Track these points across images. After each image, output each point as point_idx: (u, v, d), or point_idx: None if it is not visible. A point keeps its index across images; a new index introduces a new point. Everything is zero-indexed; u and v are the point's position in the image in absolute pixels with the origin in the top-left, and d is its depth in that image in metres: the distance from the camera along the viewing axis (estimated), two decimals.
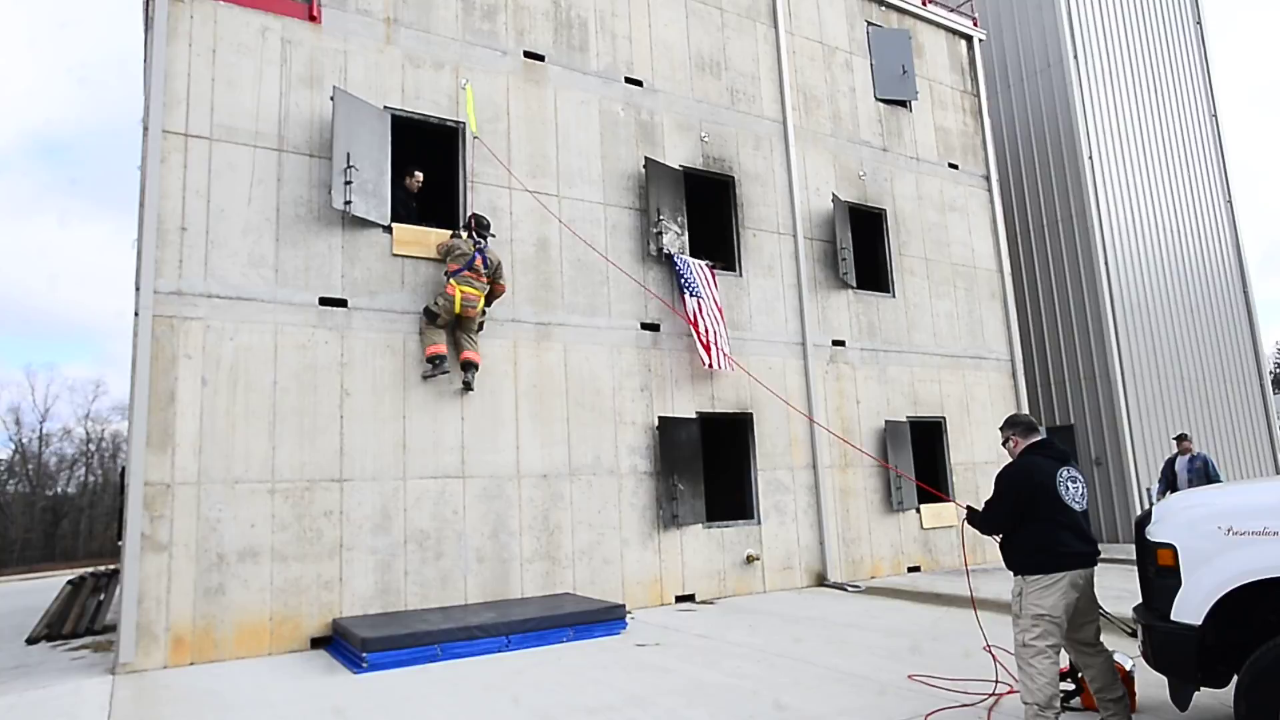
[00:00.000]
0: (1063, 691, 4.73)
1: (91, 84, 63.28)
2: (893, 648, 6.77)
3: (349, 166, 8.05)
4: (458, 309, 8.23)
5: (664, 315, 10.11)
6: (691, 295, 9.87)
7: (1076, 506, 4.39)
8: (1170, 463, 11.48)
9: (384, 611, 7.71)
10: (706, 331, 9.82)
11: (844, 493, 11.20)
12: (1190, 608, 3.88)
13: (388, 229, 8.46)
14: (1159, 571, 4.09)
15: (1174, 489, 10.98)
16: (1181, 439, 11.41)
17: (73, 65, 63.36)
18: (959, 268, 13.35)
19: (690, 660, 6.53)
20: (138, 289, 7.20)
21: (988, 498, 4.61)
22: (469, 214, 8.83)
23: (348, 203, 8.04)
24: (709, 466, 10.42)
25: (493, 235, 8.73)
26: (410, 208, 8.98)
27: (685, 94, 10.92)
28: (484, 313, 8.58)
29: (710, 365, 9.77)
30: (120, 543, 7.56)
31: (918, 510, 11.85)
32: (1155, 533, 4.18)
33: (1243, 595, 3.79)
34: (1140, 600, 4.41)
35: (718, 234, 11.32)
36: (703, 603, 9.50)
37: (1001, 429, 4.78)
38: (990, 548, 11.56)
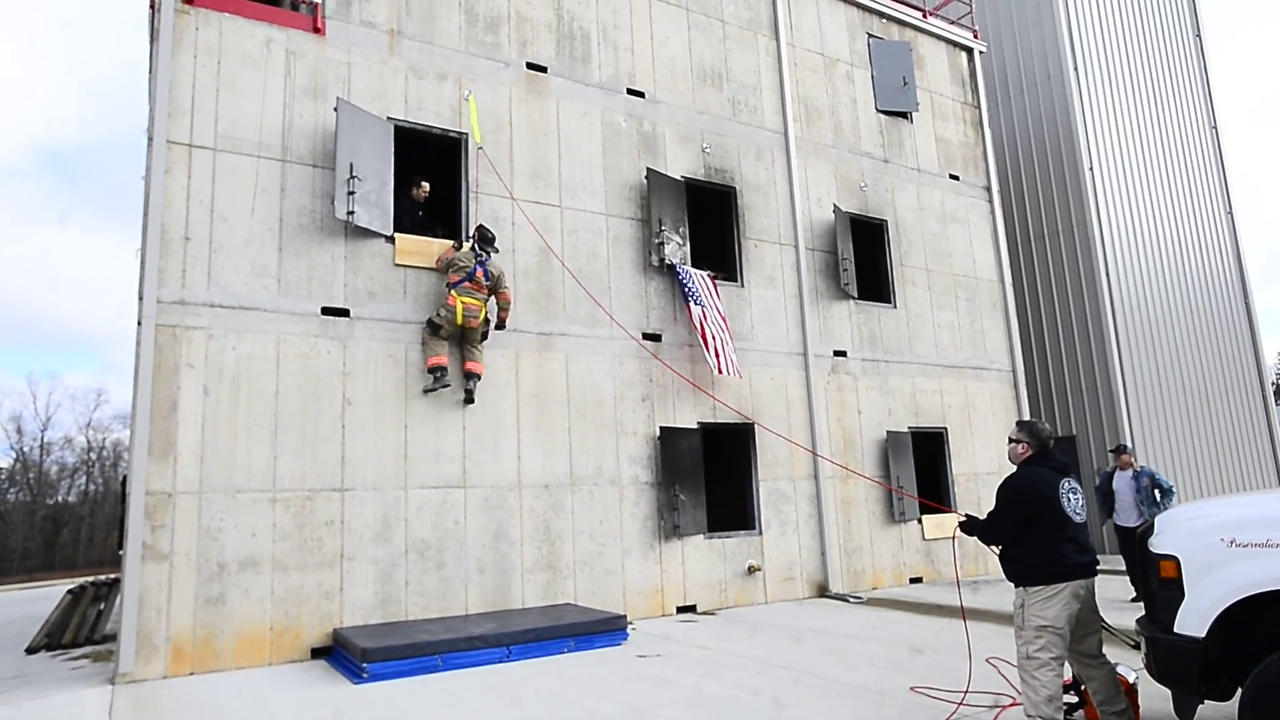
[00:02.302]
0: (1065, 704, 4.71)
1: (98, 95, 63.67)
2: (895, 659, 6.74)
3: (352, 177, 8.08)
4: (460, 320, 8.25)
5: (665, 325, 10.12)
6: (696, 304, 9.89)
7: (1077, 518, 4.40)
8: (1108, 478, 9.80)
9: (385, 621, 7.69)
10: (713, 339, 9.83)
11: (845, 503, 11.18)
12: (1193, 620, 3.87)
13: (390, 239, 8.48)
14: (1162, 583, 4.08)
15: (1113, 511, 9.70)
16: (1120, 451, 9.80)
17: (80, 77, 63.78)
18: (960, 278, 13.37)
19: (691, 671, 6.51)
20: (141, 298, 7.22)
21: (990, 509, 4.61)
22: (474, 226, 8.85)
23: (350, 213, 8.06)
24: (710, 476, 10.40)
25: (496, 250, 8.73)
26: (416, 218, 9.00)
27: (687, 105, 10.96)
28: (488, 322, 8.59)
29: (720, 371, 9.77)
30: (121, 552, 7.56)
31: (920, 521, 11.82)
32: (1158, 544, 4.17)
33: (1246, 608, 3.78)
34: (1144, 612, 4.40)
35: (719, 244, 11.34)
36: (704, 613, 9.47)
37: (1016, 432, 4.70)
38: (992, 558, 11.52)
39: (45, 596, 16.15)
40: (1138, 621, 4.39)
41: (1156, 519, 4.38)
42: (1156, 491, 9.35)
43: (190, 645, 6.91)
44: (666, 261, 10.07)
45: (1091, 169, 15.86)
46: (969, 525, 4.66)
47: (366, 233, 8.33)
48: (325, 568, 7.59)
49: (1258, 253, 71.77)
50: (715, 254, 11.24)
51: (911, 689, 5.67)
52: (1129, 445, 10.50)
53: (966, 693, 5.21)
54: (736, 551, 10.09)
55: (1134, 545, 9.05)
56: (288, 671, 6.94)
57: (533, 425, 8.97)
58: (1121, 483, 9.64)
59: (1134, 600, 8.86)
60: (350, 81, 8.57)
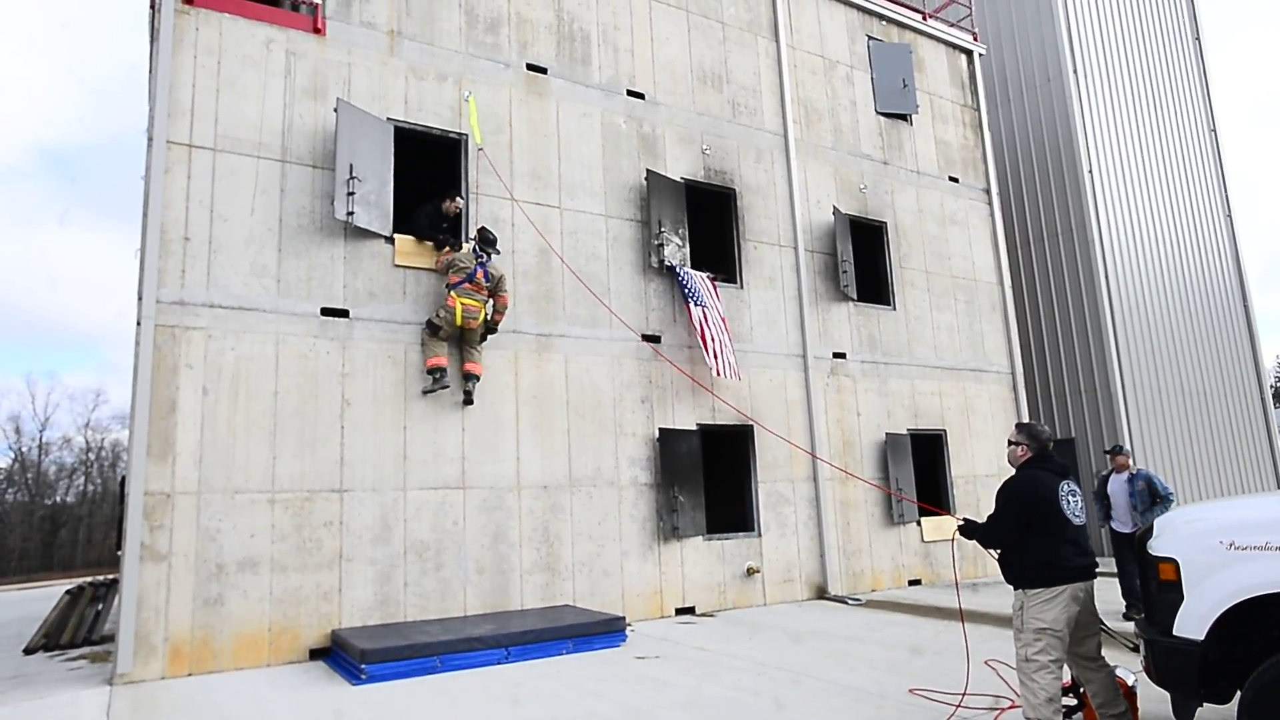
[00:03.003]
0: (1065, 706, 4.71)
1: (99, 95, 63.69)
2: (893, 661, 6.74)
3: (352, 177, 8.08)
4: (459, 321, 8.24)
5: (665, 327, 10.12)
6: (696, 305, 9.89)
7: (1077, 520, 4.40)
8: (1104, 481, 9.22)
9: (383, 623, 7.68)
10: (713, 341, 9.83)
11: (844, 505, 11.18)
12: (1192, 623, 3.87)
13: (390, 240, 8.48)
14: (1161, 586, 4.08)
15: (1110, 515, 9.07)
16: (1116, 452, 9.15)
17: (80, 77, 63.80)
18: (959, 280, 13.38)
19: (690, 673, 6.51)
20: (140, 298, 7.21)
21: (990, 512, 4.60)
22: (475, 227, 8.84)
23: (350, 213, 8.06)
24: (709, 478, 10.40)
25: (497, 252, 8.71)
26: (444, 230, 8.80)
27: (687, 107, 10.97)
28: (487, 323, 8.58)
29: (718, 374, 9.77)
30: (119, 552, 7.55)
31: (919, 523, 11.82)
32: (1157, 547, 4.17)
33: (1245, 610, 3.78)
34: (1143, 614, 4.40)
35: (719, 246, 11.34)
36: (703, 615, 9.47)
37: (1015, 434, 4.69)
38: (990, 561, 11.49)
39: (43, 597, 16.13)
40: (1137, 624, 4.39)
41: (1155, 522, 4.38)
42: (1152, 496, 8.73)
43: (188, 646, 6.90)
44: (666, 263, 10.07)
45: (1091, 172, 15.87)
46: (968, 529, 4.66)
47: (366, 233, 8.33)
48: (324, 569, 7.58)
49: (1257, 255, 71.92)
50: (715, 256, 11.24)
51: (910, 691, 5.66)
52: (1126, 446, 9.75)
53: (965, 695, 5.21)
54: (735, 553, 10.08)
55: (1129, 552, 8.53)
56: (286, 673, 6.93)
57: (532, 426, 8.96)
58: (1116, 486, 9.04)
59: (1126, 616, 8.35)
60: (350, 82, 8.57)
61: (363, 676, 6.35)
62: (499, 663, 6.92)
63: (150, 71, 8.55)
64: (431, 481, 8.26)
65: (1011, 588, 4.47)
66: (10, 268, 54.05)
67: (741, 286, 10.95)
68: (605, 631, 7.62)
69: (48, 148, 67.92)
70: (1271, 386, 20.29)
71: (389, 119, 8.67)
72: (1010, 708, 5.06)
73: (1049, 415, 16.02)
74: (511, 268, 9.09)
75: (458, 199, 8.91)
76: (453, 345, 8.49)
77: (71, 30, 62.74)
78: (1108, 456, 9.33)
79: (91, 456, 42.50)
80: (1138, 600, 8.24)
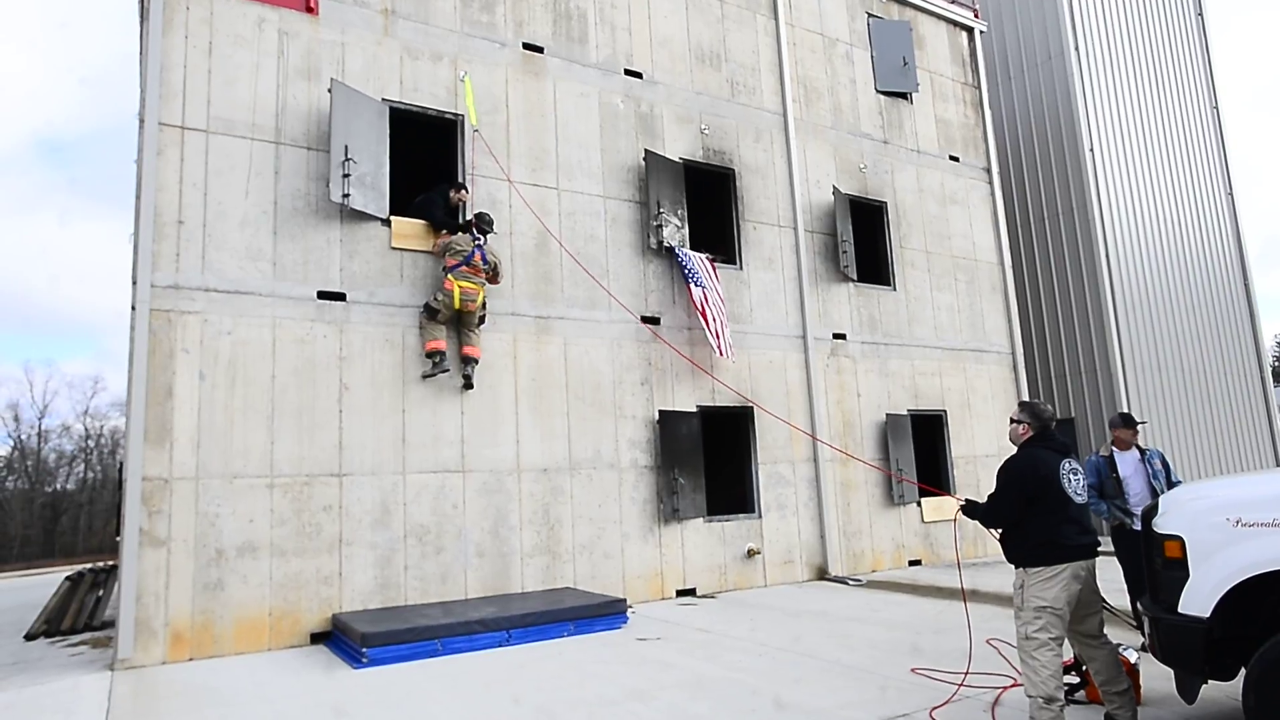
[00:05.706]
0: (1067, 684, 4.70)
1: (97, 84, 63.22)
2: (895, 641, 6.74)
3: (347, 159, 7.99)
4: (457, 304, 8.19)
5: (664, 308, 10.05)
6: (696, 285, 9.82)
7: (1078, 499, 4.38)
8: (1107, 462, 6.61)
9: (384, 607, 7.68)
10: (714, 320, 9.77)
11: (845, 486, 11.16)
12: (1198, 600, 3.86)
13: (386, 222, 8.40)
14: (1166, 563, 4.06)
15: (1116, 501, 6.45)
16: (1126, 425, 6.67)
17: (75, 65, 63.32)
18: (960, 260, 13.30)
19: (691, 654, 6.51)
20: (134, 283, 7.15)
21: (991, 491, 4.58)
22: (474, 210, 8.76)
23: (346, 195, 7.98)
24: (710, 460, 10.38)
25: (494, 233, 8.66)
26: (451, 223, 8.70)
27: (685, 86, 10.85)
28: (484, 307, 8.53)
29: (720, 353, 9.73)
30: (119, 538, 7.53)
31: (919, 504, 11.81)
32: (1162, 524, 4.15)
33: (1251, 587, 3.76)
34: (1145, 592, 4.38)
35: (718, 227, 11.26)
36: (704, 597, 9.47)
37: (1018, 413, 4.67)
38: (991, 541, 11.52)
39: (44, 584, 16.17)
40: (1140, 602, 4.37)
41: (1161, 499, 4.35)
42: (1169, 483, 6.46)
43: (189, 631, 6.89)
44: (665, 244, 10.00)
45: (1092, 150, 15.75)
46: (970, 509, 4.64)
47: (362, 216, 8.25)
48: (324, 553, 7.56)
49: (1256, 235, 71.74)
50: (714, 236, 11.16)
51: (913, 670, 5.66)
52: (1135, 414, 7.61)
53: (967, 674, 5.20)
54: (736, 535, 10.08)
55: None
56: (287, 657, 6.93)
57: (531, 409, 8.92)
58: (1128, 468, 6.57)
59: (1143, 648, 5.44)
60: (344, 62, 8.46)
61: (364, 660, 6.35)
62: (500, 645, 6.92)
63: (141, 53, 8.43)
64: (431, 465, 8.23)
65: (1012, 567, 4.45)
66: (8, 256, 53.88)
67: (741, 267, 10.88)
68: (606, 613, 7.62)
69: (45, 137, 67.54)
70: (1271, 365, 20.25)
71: (384, 100, 8.57)
72: (1012, 686, 5.06)
73: (1049, 395, 15.99)
74: (509, 250, 9.02)
75: (463, 190, 8.82)
76: (451, 328, 8.44)
77: (70, 22, 62.20)
78: (1121, 427, 6.72)
79: (91, 444, 42.56)
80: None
